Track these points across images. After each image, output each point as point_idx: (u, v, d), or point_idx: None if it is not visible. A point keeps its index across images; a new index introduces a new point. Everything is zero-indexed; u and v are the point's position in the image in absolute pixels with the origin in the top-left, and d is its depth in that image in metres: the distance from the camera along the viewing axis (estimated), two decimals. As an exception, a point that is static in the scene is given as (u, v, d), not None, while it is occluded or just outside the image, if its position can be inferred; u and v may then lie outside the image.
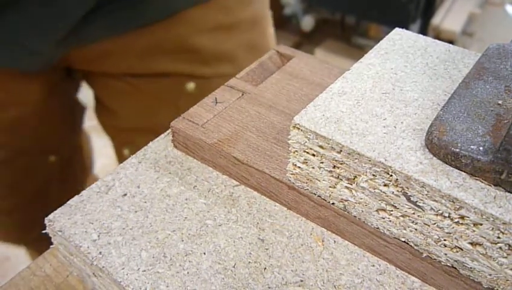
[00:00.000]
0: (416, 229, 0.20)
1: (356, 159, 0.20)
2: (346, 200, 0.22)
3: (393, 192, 0.20)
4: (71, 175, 0.68)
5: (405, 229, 0.21)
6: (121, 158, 0.70)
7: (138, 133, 0.63)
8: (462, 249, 0.19)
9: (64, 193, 0.69)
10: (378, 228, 0.22)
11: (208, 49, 0.49)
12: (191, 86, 0.51)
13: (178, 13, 0.46)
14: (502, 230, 0.17)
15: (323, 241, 0.23)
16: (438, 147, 0.19)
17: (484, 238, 0.18)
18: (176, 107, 0.53)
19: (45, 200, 0.63)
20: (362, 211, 0.22)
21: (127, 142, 0.65)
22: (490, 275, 0.19)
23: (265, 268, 0.22)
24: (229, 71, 0.51)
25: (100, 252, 0.23)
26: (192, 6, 0.46)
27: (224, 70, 0.51)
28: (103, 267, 0.22)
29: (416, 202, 0.19)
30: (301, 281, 0.22)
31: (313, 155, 0.22)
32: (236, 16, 0.49)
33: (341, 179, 0.22)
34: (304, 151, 0.22)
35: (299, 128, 0.21)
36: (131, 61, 0.50)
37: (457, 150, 0.19)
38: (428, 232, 0.20)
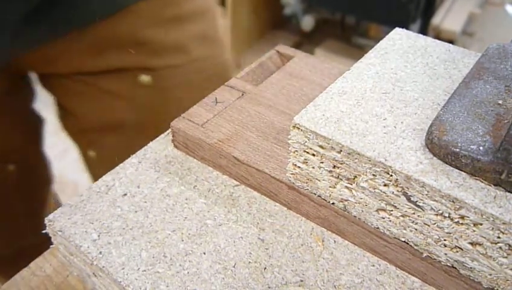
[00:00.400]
0: (416, 229, 0.20)
1: (356, 159, 0.20)
2: (346, 200, 0.22)
3: (393, 192, 0.20)
4: (33, 188, 0.66)
5: (405, 229, 0.21)
6: (88, 161, 0.71)
7: (101, 133, 0.63)
8: (462, 249, 0.19)
9: (25, 208, 0.68)
10: (378, 227, 0.22)
11: (158, 41, 0.50)
12: (145, 78, 0.51)
13: (124, 8, 0.46)
14: (502, 230, 0.17)
15: (323, 241, 0.23)
16: (438, 146, 0.19)
17: (484, 238, 0.18)
18: (134, 101, 0.54)
19: (4, 215, 0.61)
20: (362, 211, 0.22)
21: (91, 144, 0.65)
22: (490, 275, 0.19)
23: (265, 268, 0.22)
24: (181, 62, 0.51)
25: (100, 252, 0.23)
26: (138, 1, 0.46)
27: (176, 61, 0.51)
28: (103, 267, 0.22)
29: (416, 202, 0.19)
30: (301, 281, 0.22)
31: (313, 155, 0.22)
32: (183, 8, 0.50)
33: (341, 179, 0.22)
34: (304, 151, 0.22)
35: (299, 128, 0.21)
36: (82, 59, 0.50)
37: (457, 150, 0.19)
38: (428, 232, 0.20)
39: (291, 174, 0.23)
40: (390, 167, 0.19)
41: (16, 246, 0.67)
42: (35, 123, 0.65)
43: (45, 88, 0.60)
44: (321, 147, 0.21)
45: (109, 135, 0.63)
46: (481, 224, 0.18)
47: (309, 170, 0.22)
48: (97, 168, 0.75)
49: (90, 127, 0.61)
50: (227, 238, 0.23)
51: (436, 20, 1.52)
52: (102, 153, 0.68)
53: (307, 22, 1.74)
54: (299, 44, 1.76)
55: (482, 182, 0.18)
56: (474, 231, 0.18)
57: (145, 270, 0.22)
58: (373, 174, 0.20)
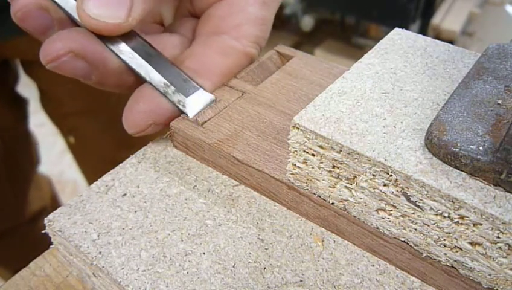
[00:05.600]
0: (416, 229, 0.20)
1: (356, 159, 0.20)
2: (346, 200, 0.22)
3: (393, 192, 0.20)
4: (18, 166, 0.69)
5: (405, 229, 0.21)
6: (69, 147, 0.74)
7: (79, 118, 0.66)
8: (461, 249, 0.19)
9: (11, 185, 0.71)
10: (378, 228, 0.22)
11: None
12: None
13: None
14: (502, 230, 0.17)
15: (323, 241, 0.23)
16: (438, 146, 0.19)
17: (484, 238, 0.18)
18: None
19: None
20: (362, 211, 0.22)
21: (71, 129, 0.68)
22: (490, 275, 0.19)
23: (265, 268, 0.22)
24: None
25: (100, 252, 0.23)
26: None
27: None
28: (103, 267, 0.22)
29: (416, 202, 0.19)
30: (301, 281, 0.22)
31: (313, 155, 0.22)
32: None
33: (341, 179, 0.22)
34: (304, 151, 0.22)
35: (298, 128, 0.21)
36: None
37: (457, 149, 0.19)
38: (428, 232, 0.20)
39: (291, 174, 0.23)
40: (390, 167, 0.19)
41: (1, 226, 0.69)
42: (19, 103, 0.68)
43: (27, 74, 0.62)
44: (321, 147, 0.21)
45: (87, 120, 0.65)
46: (481, 224, 0.18)
47: (309, 170, 0.22)
48: (77, 154, 0.77)
49: (71, 112, 0.64)
50: (227, 238, 0.23)
51: (436, 20, 1.52)
52: (81, 138, 0.70)
53: (307, 22, 1.74)
54: (299, 44, 1.76)
55: (482, 182, 0.18)
56: (473, 231, 0.18)
57: (144, 270, 0.22)
58: (373, 174, 0.20)
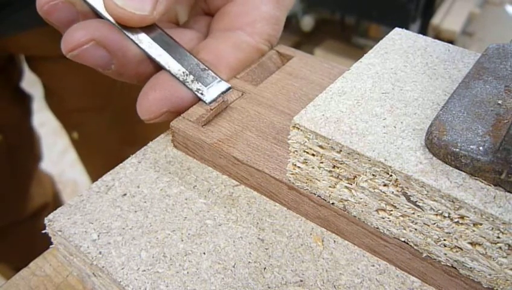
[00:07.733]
0: (416, 229, 0.20)
1: (356, 159, 0.20)
2: (346, 200, 0.22)
3: (393, 192, 0.20)
4: (21, 162, 0.69)
5: (405, 229, 0.21)
6: (72, 143, 0.74)
7: (84, 114, 0.66)
8: (461, 249, 0.19)
9: (13, 180, 0.71)
10: (378, 227, 0.22)
11: None
12: None
13: None
14: (502, 230, 0.17)
15: (323, 241, 0.23)
16: (438, 146, 0.19)
17: (484, 238, 0.18)
18: (116, 83, 0.55)
19: None
20: (362, 211, 0.22)
21: (75, 125, 0.68)
22: (490, 275, 0.19)
23: (265, 268, 0.22)
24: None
25: (100, 252, 0.23)
26: None
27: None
28: (103, 267, 0.22)
29: (416, 201, 0.19)
30: (301, 281, 0.22)
31: (313, 155, 0.22)
32: None
33: (341, 179, 0.22)
34: (304, 151, 0.22)
35: (298, 128, 0.21)
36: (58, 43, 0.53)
37: (457, 149, 0.19)
38: (428, 232, 0.20)
39: (291, 174, 0.23)
40: (390, 167, 0.19)
41: (3, 221, 0.69)
42: (23, 99, 0.68)
43: (32, 69, 0.63)
44: (321, 147, 0.21)
45: (92, 116, 0.66)
46: (481, 224, 0.18)
47: (309, 170, 0.22)
48: (80, 150, 0.77)
49: (74, 108, 0.64)
50: (227, 238, 0.23)
51: (436, 20, 1.52)
52: (85, 135, 0.70)
53: (307, 22, 1.74)
54: (299, 44, 1.76)
55: (482, 182, 0.18)
56: (473, 231, 0.18)
57: (144, 270, 0.22)
58: (373, 174, 0.20)
